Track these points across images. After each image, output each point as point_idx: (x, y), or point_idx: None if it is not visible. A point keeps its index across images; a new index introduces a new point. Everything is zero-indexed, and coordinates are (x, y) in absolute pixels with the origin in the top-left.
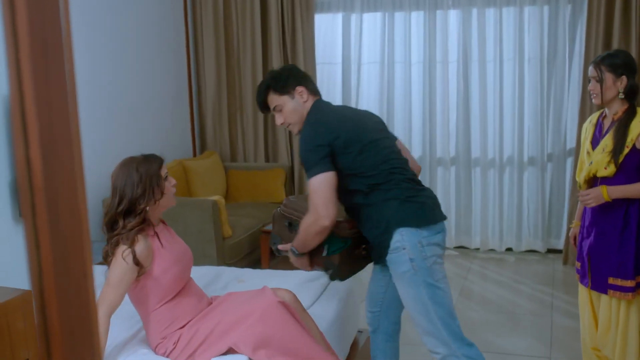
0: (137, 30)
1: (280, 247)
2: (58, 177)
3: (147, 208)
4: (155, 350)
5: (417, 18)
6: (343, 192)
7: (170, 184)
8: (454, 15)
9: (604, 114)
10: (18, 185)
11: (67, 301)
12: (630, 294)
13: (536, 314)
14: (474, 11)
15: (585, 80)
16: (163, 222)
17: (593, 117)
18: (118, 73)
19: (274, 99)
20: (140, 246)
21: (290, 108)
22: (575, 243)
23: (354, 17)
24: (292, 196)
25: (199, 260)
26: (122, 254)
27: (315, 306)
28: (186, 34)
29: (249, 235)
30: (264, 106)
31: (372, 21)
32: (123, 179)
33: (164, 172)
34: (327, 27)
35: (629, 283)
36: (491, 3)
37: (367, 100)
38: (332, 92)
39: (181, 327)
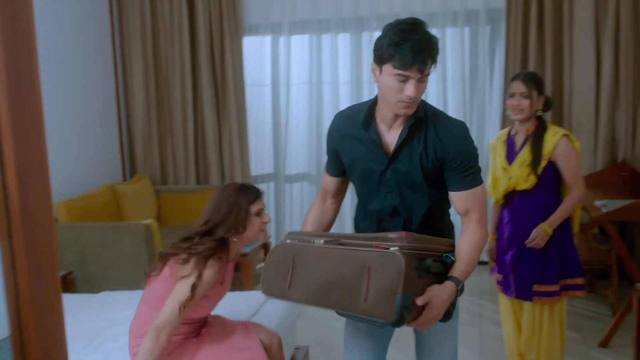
0: (62, 52)
1: (419, 300)
2: (32, 201)
3: (231, 238)
4: (131, 343)
5: (343, 40)
6: (437, 212)
7: (260, 220)
8: None
9: (513, 131)
10: None
11: (41, 314)
12: (556, 297)
13: (466, 323)
14: None
15: (506, 95)
16: (235, 260)
17: (502, 134)
18: (43, 96)
19: (429, 66)
20: (209, 272)
21: (426, 85)
22: (492, 257)
23: (282, 40)
24: (392, 233)
25: (133, 285)
26: (191, 282)
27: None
28: (114, 57)
29: None
30: (422, 62)
31: (300, 43)
32: (214, 203)
33: (255, 207)
34: (256, 50)
35: (554, 287)
36: None
37: (297, 121)
38: (262, 113)
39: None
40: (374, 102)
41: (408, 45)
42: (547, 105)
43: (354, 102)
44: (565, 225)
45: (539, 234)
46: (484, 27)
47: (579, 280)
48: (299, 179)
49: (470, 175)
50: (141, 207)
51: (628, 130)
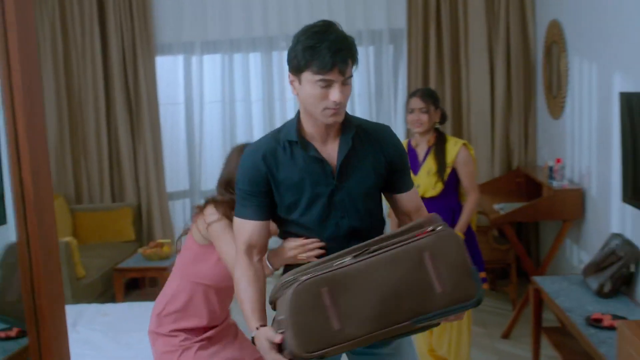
0: None
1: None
2: (41, 192)
3: None
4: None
5: (254, 59)
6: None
7: None
8: None
9: (413, 143)
10: (13, 201)
11: (49, 281)
12: None
13: None
14: None
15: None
16: None
17: None
18: None
19: (350, 68)
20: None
21: (350, 88)
22: None
23: (194, 59)
24: (419, 219)
25: None
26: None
27: None
28: None
29: (102, 274)
30: (343, 61)
31: (212, 62)
32: (225, 163)
33: None
34: (169, 69)
35: None
36: None
37: (211, 138)
38: (176, 131)
39: (186, 330)
40: (297, 120)
41: (325, 47)
42: (443, 118)
43: (267, 119)
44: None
45: None
46: (387, 46)
47: (482, 274)
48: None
49: (409, 174)
50: (57, 227)
51: (521, 140)
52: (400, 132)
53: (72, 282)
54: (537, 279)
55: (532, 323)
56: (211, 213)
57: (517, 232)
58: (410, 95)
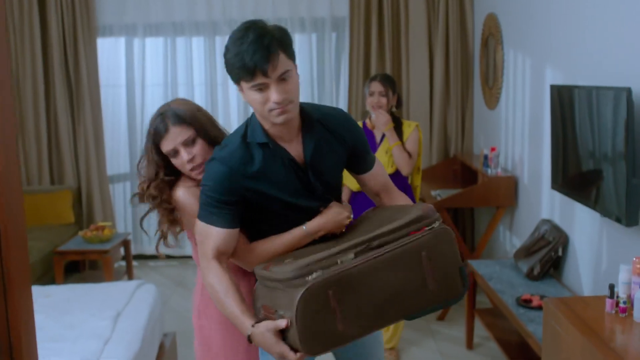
0: None
1: None
2: (9, 197)
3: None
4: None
5: (197, 43)
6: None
7: (180, 161)
8: None
9: (369, 125)
10: None
11: (19, 276)
12: None
13: None
14: None
15: (352, 96)
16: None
17: None
18: None
19: (283, 62)
20: (181, 192)
21: (296, 80)
22: None
23: (136, 42)
24: (414, 208)
25: None
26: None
27: (125, 313)
28: None
29: (41, 257)
30: (264, 62)
31: (154, 45)
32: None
33: (166, 146)
34: (110, 51)
35: None
36: None
37: None
38: (117, 114)
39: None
40: (258, 122)
41: (244, 51)
42: (399, 103)
43: (209, 103)
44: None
45: None
46: (329, 33)
47: None
48: None
49: (370, 153)
50: None
51: (458, 129)
52: None
53: None
54: (472, 263)
55: (466, 305)
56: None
57: (453, 218)
58: (371, 79)
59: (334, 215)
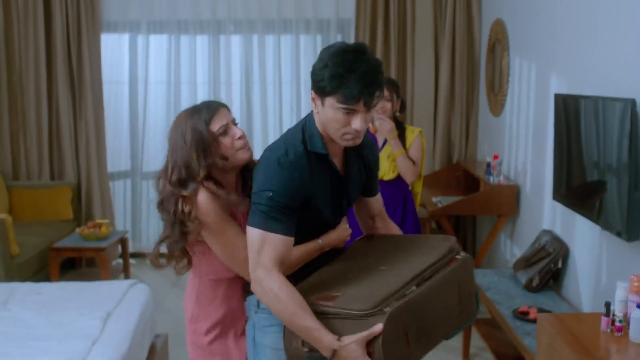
0: None
1: None
2: None
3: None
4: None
5: (201, 41)
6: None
7: (230, 138)
8: (236, 40)
9: (372, 129)
10: None
11: None
12: None
13: None
14: (255, 37)
15: None
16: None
17: None
18: None
19: (377, 98)
20: (202, 197)
21: (372, 113)
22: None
23: (140, 38)
24: (444, 240)
25: None
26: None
27: (116, 313)
28: None
29: (37, 253)
30: (370, 95)
31: (158, 43)
32: (171, 142)
33: (217, 125)
34: (113, 47)
35: None
36: (270, 30)
37: (155, 119)
38: (119, 111)
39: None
40: (320, 134)
41: (354, 78)
42: (402, 107)
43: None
44: (413, 209)
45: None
46: (335, 35)
47: None
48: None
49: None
50: None
51: (462, 135)
52: None
53: (5, 260)
54: None
55: None
56: (206, 211)
57: (454, 225)
58: None
59: (341, 231)
